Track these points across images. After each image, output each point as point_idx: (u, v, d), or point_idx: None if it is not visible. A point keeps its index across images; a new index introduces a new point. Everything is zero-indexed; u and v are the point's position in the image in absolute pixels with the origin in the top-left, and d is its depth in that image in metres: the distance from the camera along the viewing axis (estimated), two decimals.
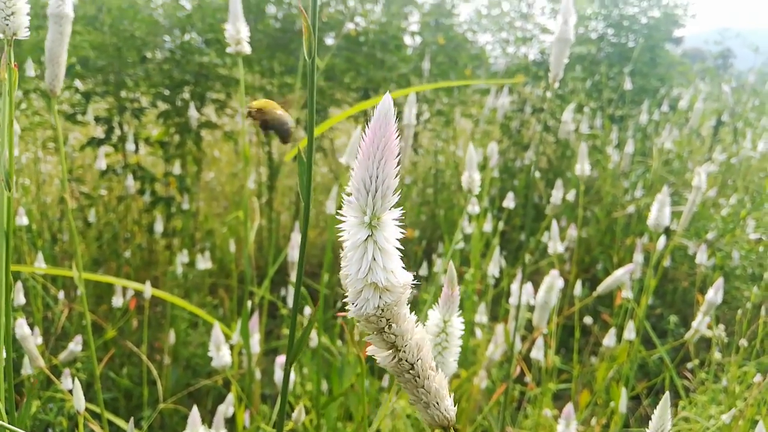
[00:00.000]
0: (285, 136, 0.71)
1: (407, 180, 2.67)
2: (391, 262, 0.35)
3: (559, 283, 1.22)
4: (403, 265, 0.37)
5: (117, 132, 2.54)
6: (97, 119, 2.50)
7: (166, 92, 2.59)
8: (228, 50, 0.86)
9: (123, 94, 2.54)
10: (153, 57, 2.49)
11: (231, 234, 2.79)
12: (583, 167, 1.38)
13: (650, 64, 3.09)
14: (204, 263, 1.85)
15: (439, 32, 2.48)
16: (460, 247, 2.13)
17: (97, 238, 2.56)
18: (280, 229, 2.96)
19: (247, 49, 0.84)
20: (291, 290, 1.75)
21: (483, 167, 2.16)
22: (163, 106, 2.59)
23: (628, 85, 2.50)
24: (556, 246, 1.48)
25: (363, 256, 0.35)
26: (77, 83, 2.53)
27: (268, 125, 0.71)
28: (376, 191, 0.34)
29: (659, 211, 1.08)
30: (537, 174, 2.13)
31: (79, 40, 2.52)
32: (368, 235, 0.35)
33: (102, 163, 2.37)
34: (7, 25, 0.57)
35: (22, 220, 1.55)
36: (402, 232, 0.36)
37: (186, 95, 2.59)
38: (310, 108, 0.51)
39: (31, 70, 2.00)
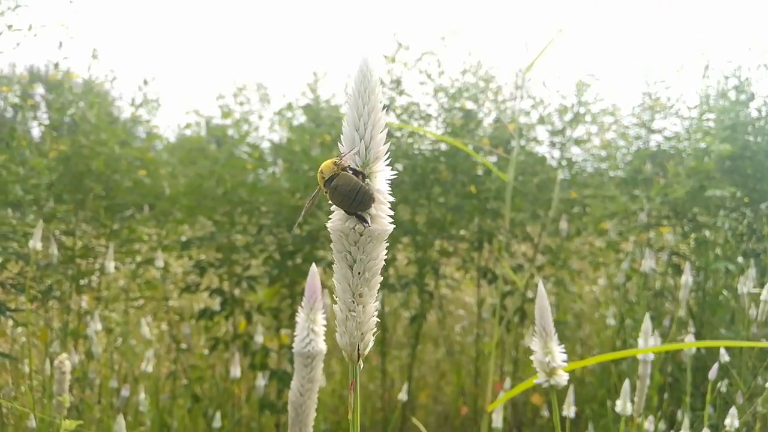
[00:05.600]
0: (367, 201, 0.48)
1: None
2: None
3: None
4: None
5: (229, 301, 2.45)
6: (212, 291, 2.42)
7: (277, 256, 2.51)
8: (536, 381, 0.67)
9: (234, 257, 2.47)
10: (270, 226, 2.45)
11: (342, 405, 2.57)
12: None
13: None
14: None
15: (570, 187, 2.33)
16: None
17: (205, 414, 2.40)
18: (394, 389, 2.73)
19: (564, 381, 0.65)
20: None
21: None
22: (273, 271, 2.49)
23: None
24: None
25: None
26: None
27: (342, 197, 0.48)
28: None
29: None
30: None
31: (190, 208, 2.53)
32: None
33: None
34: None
35: None
36: None
37: (299, 260, 2.49)
38: None
39: None
